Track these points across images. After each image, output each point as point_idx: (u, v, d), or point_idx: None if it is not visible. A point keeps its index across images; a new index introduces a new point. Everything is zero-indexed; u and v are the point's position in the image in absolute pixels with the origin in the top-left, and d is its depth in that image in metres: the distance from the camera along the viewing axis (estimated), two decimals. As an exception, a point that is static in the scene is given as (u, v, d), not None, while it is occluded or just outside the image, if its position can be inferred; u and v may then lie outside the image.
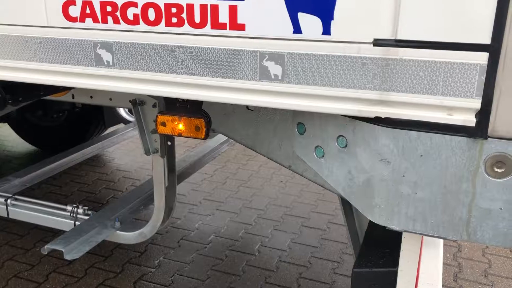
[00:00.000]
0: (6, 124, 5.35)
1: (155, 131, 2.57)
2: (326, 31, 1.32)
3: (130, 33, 1.50)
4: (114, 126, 5.04)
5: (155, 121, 1.69)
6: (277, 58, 1.38)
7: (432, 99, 1.30)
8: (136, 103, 2.43)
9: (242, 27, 1.40)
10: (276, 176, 4.97)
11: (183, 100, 1.68)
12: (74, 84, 1.59)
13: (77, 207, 3.03)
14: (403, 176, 1.39)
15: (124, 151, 5.54)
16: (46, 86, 2.06)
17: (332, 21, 1.31)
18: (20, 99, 2.06)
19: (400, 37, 1.28)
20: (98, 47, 1.54)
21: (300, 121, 1.61)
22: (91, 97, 2.80)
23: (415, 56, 1.28)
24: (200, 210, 4.32)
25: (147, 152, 2.67)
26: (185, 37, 1.45)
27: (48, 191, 4.60)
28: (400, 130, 1.35)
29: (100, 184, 4.78)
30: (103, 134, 4.98)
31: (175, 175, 2.85)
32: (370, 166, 1.44)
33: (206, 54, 1.44)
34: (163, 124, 1.69)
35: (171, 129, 1.69)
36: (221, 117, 1.87)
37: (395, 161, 1.39)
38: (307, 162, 1.62)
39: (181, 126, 1.68)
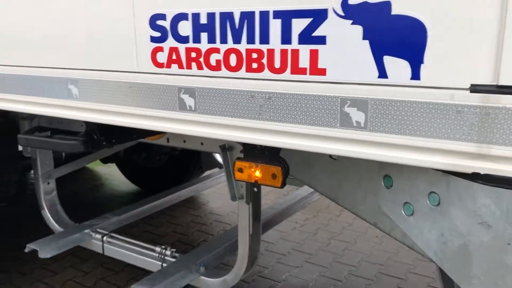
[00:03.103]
0: (114, 164, 5.74)
1: (241, 177, 2.55)
2: (415, 75, 1.20)
3: (212, 78, 1.50)
4: (211, 170, 5.16)
5: (233, 167, 1.65)
6: (360, 104, 1.28)
7: (544, 154, 1.10)
8: (225, 148, 2.43)
9: (322, 71, 1.32)
10: (372, 230, 4.68)
11: (261, 146, 1.63)
12: (159, 128, 1.62)
13: (165, 249, 3.08)
14: (508, 244, 1.17)
15: (218, 194, 5.63)
16: (137, 130, 2.15)
17: (422, 65, 1.19)
18: (113, 141, 2.16)
19: (503, 82, 1.11)
20: (182, 92, 1.56)
21: (387, 173, 1.47)
22: (184, 141, 2.88)
23: (521, 104, 1.10)
24: (289, 261, 4.18)
25: (233, 198, 2.64)
26: (264, 83, 1.42)
27: (145, 230, 4.78)
28: (503, 189, 1.15)
29: (193, 226, 4.87)
30: (200, 177, 5.12)
31: (260, 223, 2.78)
32: (466, 229, 1.24)
33: (285, 100, 1.39)
34: (240, 170, 1.64)
35: (248, 175, 1.64)
36: (303, 166, 1.79)
37: (497, 225, 1.18)
38: (394, 220, 1.46)
39: (257, 173, 1.62)
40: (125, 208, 3.76)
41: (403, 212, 1.43)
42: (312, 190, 3.92)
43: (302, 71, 1.35)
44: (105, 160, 5.45)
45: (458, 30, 1.14)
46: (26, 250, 3.15)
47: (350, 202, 1.65)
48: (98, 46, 1.71)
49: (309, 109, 1.35)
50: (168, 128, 1.60)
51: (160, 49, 1.57)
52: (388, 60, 1.23)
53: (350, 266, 4.05)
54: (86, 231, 3.38)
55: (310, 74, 1.34)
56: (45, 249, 3.15)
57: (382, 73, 1.24)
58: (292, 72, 1.37)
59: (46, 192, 3.54)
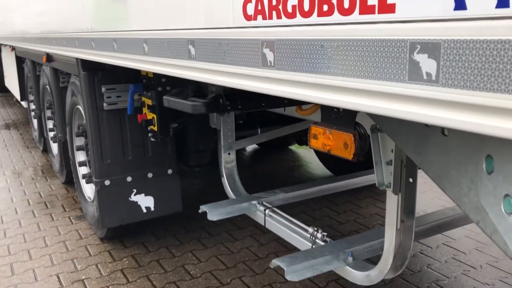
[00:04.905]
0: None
1: (390, 162, 2.23)
2: (503, 1, 0.80)
3: (288, 28, 1.32)
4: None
5: (309, 133, 1.42)
6: (431, 49, 0.92)
7: None
8: (376, 129, 2.17)
9: (392, 8, 1.01)
10: None
11: (337, 109, 1.35)
12: (242, 86, 1.51)
13: (317, 231, 2.95)
14: None
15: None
16: (267, 98, 2.08)
17: (513, -17, 0.79)
18: (239, 106, 2.14)
19: None
20: (264, 46, 1.41)
21: (489, 153, 1.03)
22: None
23: None
24: (478, 275, 3.53)
25: (380, 185, 2.34)
26: (334, 28, 1.16)
27: (326, 215, 4.71)
28: None
29: (376, 219, 4.57)
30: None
31: (414, 218, 2.39)
32: None
33: (352, 48, 1.11)
34: (315, 137, 1.39)
35: (322, 144, 1.37)
36: (416, 143, 1.41)
37: None
38: (492, 219, 1.01)
39: (330, 141, 1.35)
40: (295, 186, 3.75)
41: (503, 209, 0.98)
42: None
43: (371, 10, 1.06)
44: (300, 142, 5.58)
45: None
46: (200, 211, 3.45)
47: (455, 192, 1.22)
48: (205, 4, 1.70)
49: (376, 59, 1.05)
50: (250, 87, 1.48)
51: (249, 0, 1.46)
52: (468, -17, 0.85)
53: (560, 299, 3.19)
54: (254, 202, 3.49)
55: (379, 12, 1.04)
56: (213, 213, 3.38)
57: (460, 4, 0.87)
58: (361, 12, 1.08)
59: (227, 161, 3.80)
